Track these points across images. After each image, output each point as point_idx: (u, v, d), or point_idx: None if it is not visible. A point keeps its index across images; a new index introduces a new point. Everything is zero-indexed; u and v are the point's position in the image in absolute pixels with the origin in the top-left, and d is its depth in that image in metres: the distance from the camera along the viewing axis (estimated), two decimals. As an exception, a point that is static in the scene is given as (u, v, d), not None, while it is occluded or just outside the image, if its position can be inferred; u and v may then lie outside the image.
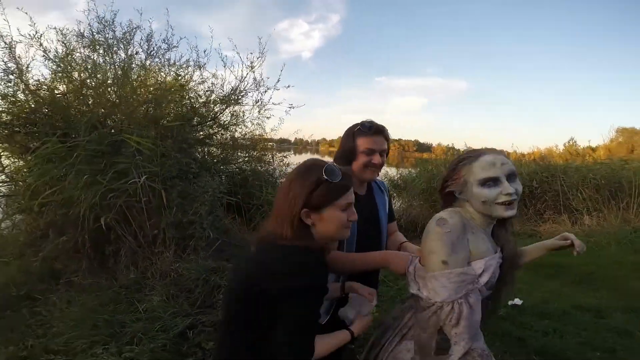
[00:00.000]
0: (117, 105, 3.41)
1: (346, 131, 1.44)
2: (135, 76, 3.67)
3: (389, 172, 9.18)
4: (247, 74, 4.27)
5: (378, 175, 1.46)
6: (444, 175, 1.13)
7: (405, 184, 8.04)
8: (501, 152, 1.07)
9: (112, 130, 3.18)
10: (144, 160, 2.92)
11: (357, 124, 1.40)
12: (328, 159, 1.34)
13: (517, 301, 2.90)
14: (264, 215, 3.95)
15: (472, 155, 1.07)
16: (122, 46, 3.64)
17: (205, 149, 4.51)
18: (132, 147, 2.88)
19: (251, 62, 4.24)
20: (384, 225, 1.50)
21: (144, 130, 3.11)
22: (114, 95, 3.48)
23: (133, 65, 3.70)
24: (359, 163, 1.37)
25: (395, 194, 8.19)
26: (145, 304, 2.29)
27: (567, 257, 4.00)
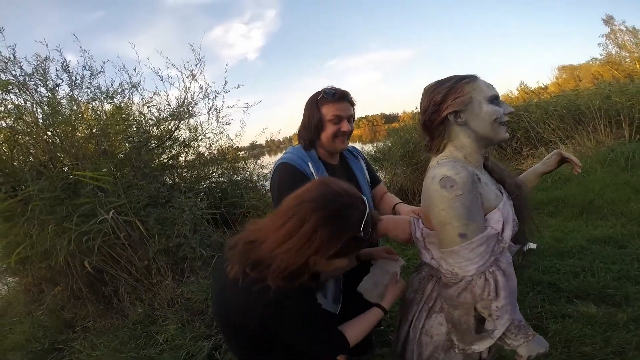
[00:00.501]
0: (59, 146, 3.09)
1: (308, 101, 1.33)
2: (68, 111, 3.29)
3: (365, 148, 9.14)
4: (191, 83, 4.04)
5: (348, 143, 1.36)
6: (434, 100, 0.93)
7: (383, 155, 8.01)
8: None
9: (64, 169, 2.97)
10: (108, 196, 2.75)
11: (318, 92, 1.31)
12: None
13: (532, 245, 2.82)
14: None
15: (467, 75, 0.94)
16: (38, 81, 3.19)
17: (175, 173, 4.25)
18: (89, 185, 2.68)
19: (191, 71, 3.99)
20: (367, 191, 1.38)
21: (97, 165, 2.91)
22: (52, 137, 3.13)
23: (60, 99, 3.30)
24: (327, 133, 1.28)
25: (377, 167, 8.16)
26: (163, 334, 2.29)
27: (562, 189, 4.11)
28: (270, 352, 0.86)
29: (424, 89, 0.99)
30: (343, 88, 1.31)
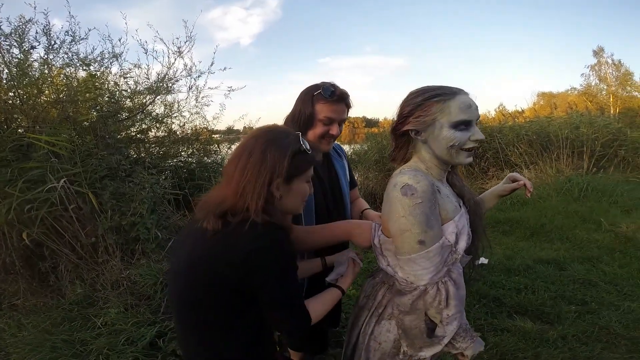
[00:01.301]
0: (19, 107, 2.89)
1: (304, 93, 1.25)
2: (38, 73, 3.11)
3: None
4: (175, 59, 3.88)
5: (332, 145, 1.32)
6: (403, 111, 0.93)
7: (359, 158, 8.12)
8: (468, 93, 0.94)
9: (19, 131, 2.71)
10: (63, 163, 2.53)
11: (317, 86, 1.22)
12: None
13: (484, 260, 2.98)
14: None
15: (447, 92, 0.90)
16: (14, 43, 3.03)
17: (142, 147, 4.05)
18: (43, 149, 2.45)
19: (179, 48, 3.85)
20: (346, 192, 1.37)
21: (57, 130, 2.68)
22: (14, 97, 2.93)
23: (31, 61, 3.12)
24: (315, 132, 1.22)
25: (353, 168, 8.24)
26: (102, 317, 2.13)
27: (518, 211, 4.35)
28: (241, 312, 0.84)
29: (408, 92, 0.98)
30: (342, 87, 1.24)
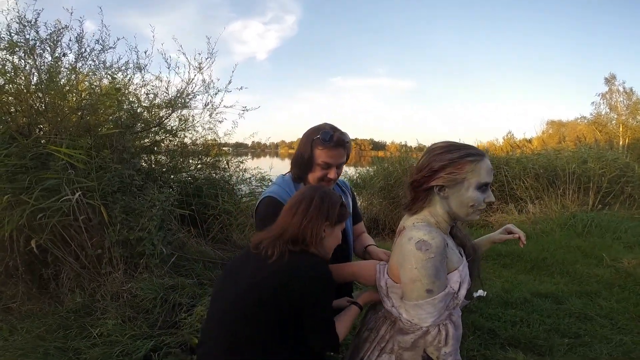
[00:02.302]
0: (43, 113, 3.02)
1: (305, 135, 1.30)
2: (64, 80, 3.29)
3: (348, 171, 9.30)
4: (195, 75, 4.02)
5: (333, 185, 1.36)
6: (433, 166, 0.97)
7: (364, 183, 8.17)
8: None
9: (41, 141, 2.82)
10: (78, 175, 2.63)
11: (317, 130, 1.26)
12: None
13: (482, 292, 2.98)
14: (224, 226, 3.73)
15: (478, 153, 0.97)
16: (47, 48, 3.24)
17: (152, 157, 4.17)
18: (61, 160, 2.56)
19: (199, 64, 4.00)
20: (349, 230, 1.41)
21: (76, 141, 2.80)
22: (38, 103, 3.08)
23: (61, 68, 3.31)
24: (314, 175, 1.27)
25: (355, 193, 8.27)
26: (99, 328, 2.14)
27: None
28: (286, 329, 0.99)
29: (430, 147, 1.03)
30: (337, 120, 1.30)
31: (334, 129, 1.26)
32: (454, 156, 0.96)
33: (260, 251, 1.03)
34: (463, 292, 0.98)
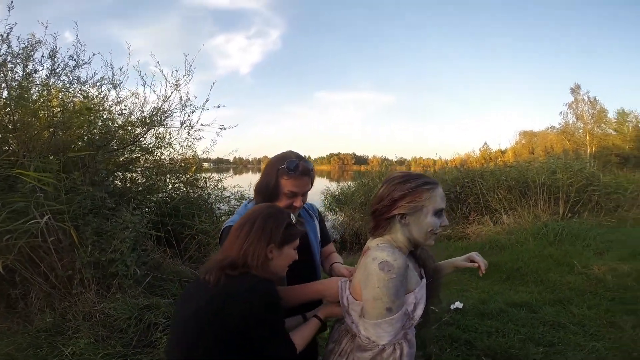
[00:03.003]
0: (11, 131, 2.94)
1: (270, 164, 1.31)
2: (36, 96, 3.22)
3: (330, 187, 9.38)
4: (172, 92, 4.01)
5: (297, 215, 1.36)
6: (395, 194, 1.04)
7: (346, 199, 8.24)
8: None
9: (11, 159, 2.75)
10: (47, 197, 2.55)
11: (282, 159, 1.28)
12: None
13: (458, 304, 3.02)
14: (201, 245, 3.66)
15: (432, 181, 1.06)
16: (19, 62, 3.19)
17: (127, 176, 4.07)
18: (30, 183, 2.49)
19: (177, 81, 3.99)
20: (316, 252, 1.43)
21: (45, 161, 2.73)
22: (7, 119, 3.00)
23: (33, 84, 3.26)
24: (280, 204, 1.28)
25: (337, 209, 8.37)
26: (71, 347, 2.11)
27: (496, 256, 4.47)
28: (241, 348, 0.98)
29: (388, 177, 1.10)
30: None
31: (299, 157, 1.29)
32: (412, 185, 1.04)
33: (204, 278, 1.03)
34: (418, 312, 1.04)
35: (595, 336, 2.50)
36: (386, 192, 1.06)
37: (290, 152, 1.32)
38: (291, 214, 1.13)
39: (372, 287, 0.97)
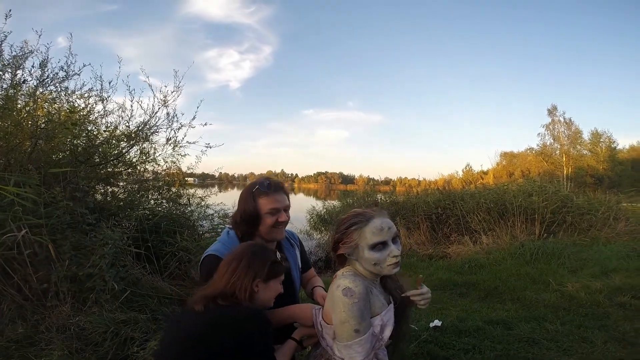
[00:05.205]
0: None
1: (244, 192, 1.37)
2: (21, 105, 3.19)
3: (315, 206, 9.42)
4: (159, 108, 4.04)
5: (285, 231, 1.42)
6: (335, 237, 1.18)
7: (331, 218, 8.29)
8: (386, 214, 1.18)
9: None
10: (26, 211, 2.51)
11: (254, 183, 1.35)
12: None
13: (437, 322, 3.07)
14: (182, 262, 3.60)
15: (362, 219, 1.14)
16: (9, 70, 3.18)
17: (109, 189, 4.01)
18: (9, 198, 2.45)
19: (164, 96, 4.03)
20: (296, 280, 1.47)
21: (26, 176, 2.69)
22: None
23: (19, 94, 3.23)
24: (265, 225, 1.32)
25: (323, 228, 8.40)
26: (43, 358, 2.10)
27: (475, 274, 4.58)
28: None
29: (337, 220, 1.23)
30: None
31: (268, 178, 1.37)
32: (342, 228, 1.16)
33: (194, 307, 1.09)
34: (387, 333, 1.12)
35: (568, 351, 2.59)
36: (332, 236, 1.22)
37: (260, 177, 1.41)
38: (277, 252, 1.19)
39: (339, 311, 1.07)
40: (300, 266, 1.53)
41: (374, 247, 1.10)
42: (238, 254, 1.16)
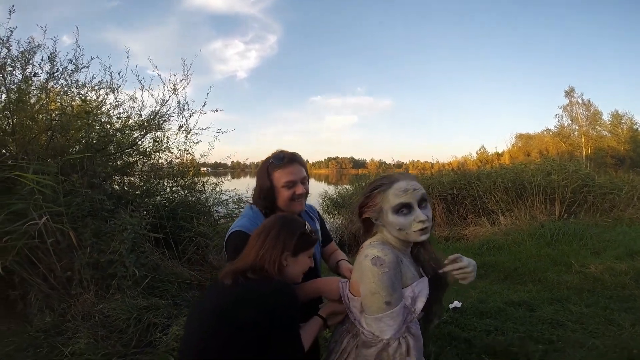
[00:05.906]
0: (10, 134, 2.96)
1: (259, 168, 1.34)
2: (34, 100, 3.24)
3: (328, 190, 9.42)
4: (170, 97, 4.04)
5: (304, 204, 1.38)
6: (359, 202, 1.14)
7: (343, 202, 8.27)
8: (413, 177, 1.10)
9: (8, 162, 2.75)
10: (46, 199, 2.57)
11: (268, 158, 1.32)
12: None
13: (457, 303, 3.03)
14: (199, 247, 3.65)
15: (386, 181, 1.08)
16: (18, 65, 3.21)
17: (125, 179, 4.08)
18: (29, 185, 2.51)
19: (174, 85, 4.02)
20: (317, 254, 1.44)
21: (44, 164, 2.73)
22: (6, 123, 3.02)
23: (31, 87, 3.28)
24: (283, 198, 1.28)
25: (336, 212, 8.40)
26: (70, 347, 2.12)
27: (494, 256, 4.49)
28: (255, 345, 0.99)
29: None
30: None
31: (283, 151, 1.32)
32: (366, 191, 1.12)
33: (223, 281, 1.08)
34: (420, 305, 1.05)
35: (595, 333, 2.51)
36: (357, 200, 1.16)
37: (274, 152, 1.34)
38: (306, 223, 1.15)
39: (368, 282, 1.01)
40: (321, 240, 1.51)
41: (398, 210, 1.03)
42: (267, 227, 1.14)
